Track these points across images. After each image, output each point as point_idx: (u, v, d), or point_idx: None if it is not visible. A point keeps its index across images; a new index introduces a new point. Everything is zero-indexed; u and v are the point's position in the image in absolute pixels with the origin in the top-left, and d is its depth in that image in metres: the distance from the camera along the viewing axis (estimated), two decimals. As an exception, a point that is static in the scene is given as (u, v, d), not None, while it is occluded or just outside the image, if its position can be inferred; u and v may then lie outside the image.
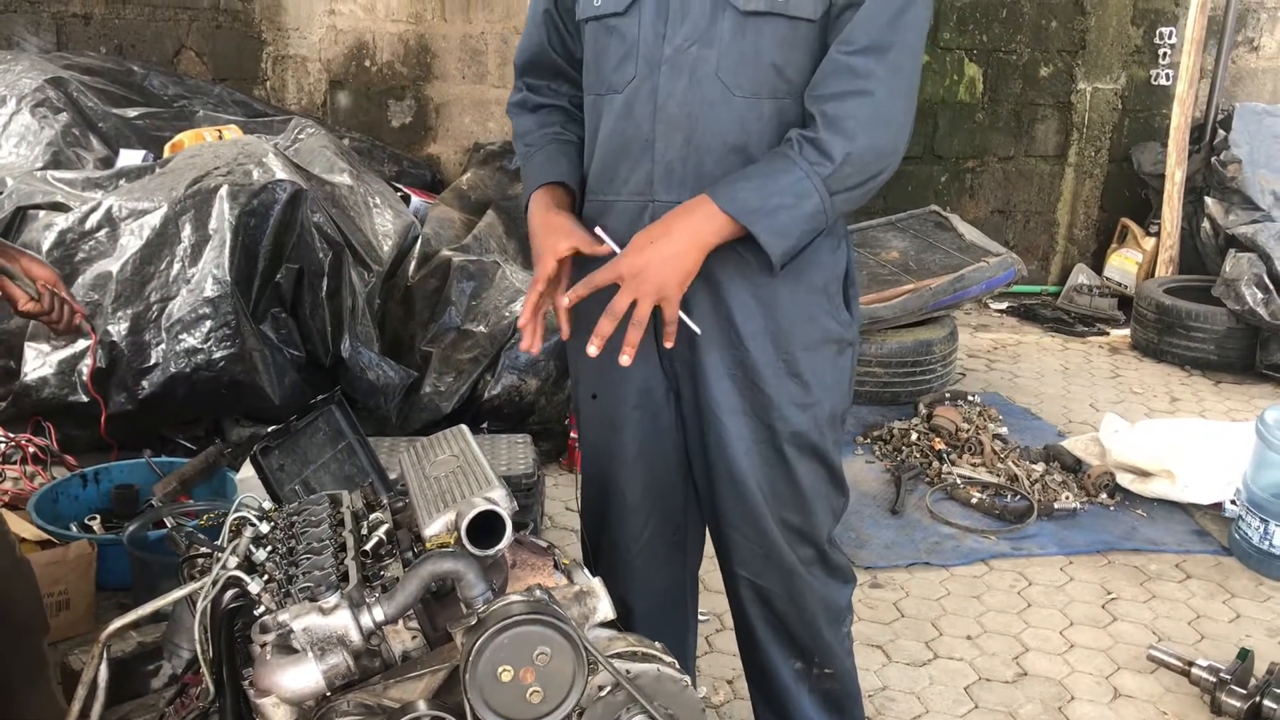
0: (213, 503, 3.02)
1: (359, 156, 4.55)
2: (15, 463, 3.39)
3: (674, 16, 1.72)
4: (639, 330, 1.66)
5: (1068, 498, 3.64)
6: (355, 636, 1.35)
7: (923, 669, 2.81)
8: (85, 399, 3.40)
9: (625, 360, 1.67)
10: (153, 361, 3.41)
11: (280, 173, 3.63)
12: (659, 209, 1.76)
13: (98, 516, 3.07)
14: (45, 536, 2.78)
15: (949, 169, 6.13)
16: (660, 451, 1.93)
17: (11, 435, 3.43)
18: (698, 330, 1.75)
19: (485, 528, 1.45)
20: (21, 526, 2.75)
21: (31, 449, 3.39)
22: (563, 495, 3.55)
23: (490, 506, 1.45)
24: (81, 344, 3.44)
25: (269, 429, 2.94)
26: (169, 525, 2.29)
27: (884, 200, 5.97)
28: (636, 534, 1.99)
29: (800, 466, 1.84)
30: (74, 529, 2.99)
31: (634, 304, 1.66)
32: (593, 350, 1.66)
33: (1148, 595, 3.20)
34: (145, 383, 3.41)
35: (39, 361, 3.44)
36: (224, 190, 3.51)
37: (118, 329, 3.42)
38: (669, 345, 1.72)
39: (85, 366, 3.40)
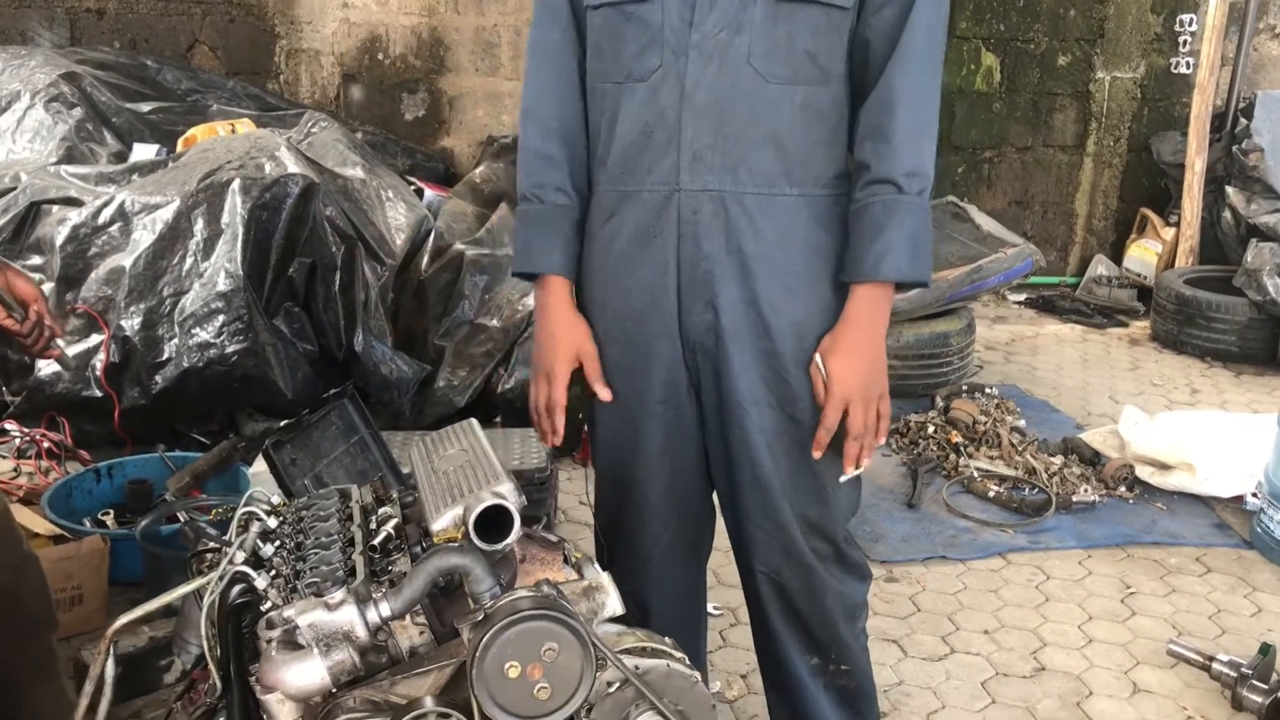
0: (225, 497, 3.02)
1: (372, 150, 4.55)
2: (30, 458, 3.40)
3: (701, 2, 1.69)
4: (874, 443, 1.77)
5: (1086, 491, 3.61)
6: (361, 632, 1.33)
7: (939, 664, 2.79)
8: (99, 394, 3.41)
9: (851, 472, 1.78)
10: (165, 356, 3.41)
11: (292, 166, 3.62)
12: (685, 198, 1.75)
13: (111, 511, 3.07)
14: (58, 531, 2.78)
15: (966, 159, 6.08)
16: (683, 449, 1.91)
17: (26, 430, 3.45)
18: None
19: (493, 522, 1.43)
20: (35, 521, 2.76)
21: (46, 444, 3.40)
22: (576, 489, 3.54)
23: (497, 501, 1.43)
24: (95, 339, 3.44)
25: (281, 423, 2.93)
26: (182, 520, 2.29)
27: (900, 191, 5.93)
28: (657, 535, 1.97)
29: (822, 460, 1.81)
30: (87, 524, 2.99)
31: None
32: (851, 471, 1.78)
33: (1167, 589, 3.16)
34: (158, 377, 3.41)
35: (53, 356, 3.44)
36: (236, 184, 3.51)
37: (130, 324, 3.42)
38: (881, 441, 1.78)
39: (99, 361, 3.41)
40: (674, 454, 1.91)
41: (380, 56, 5.19)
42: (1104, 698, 2.67)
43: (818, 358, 1.76)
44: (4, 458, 3.44)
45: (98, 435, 3.48)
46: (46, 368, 3.44)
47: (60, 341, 2.00)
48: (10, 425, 3.48)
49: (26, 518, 2.76)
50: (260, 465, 3.00)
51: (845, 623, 1.97)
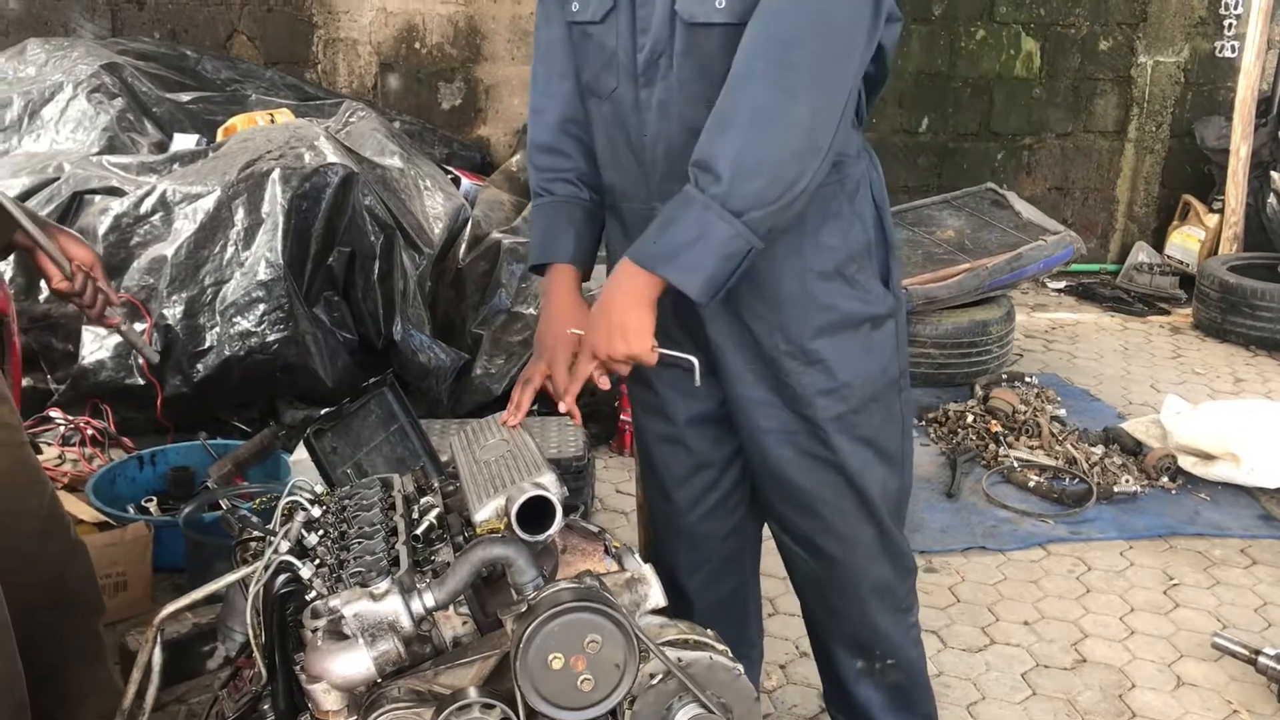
0: (267, 485, 3.04)
1: (409, 139, 4.56)
2: (75, 445, 3.45)
3: (640, 27, 1.65)
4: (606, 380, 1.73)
5: (1128, 481, 3.57)
6: (406, 622, 1.33)
7: (979, 655, 2.77)
8: (141, 382, 3.44)
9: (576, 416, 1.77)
10: (207, 345, 3.44)
11: (331, 156, 3.64)
12: None
13: (154, 498, 3.10)
14: (103, 518, 2.81)
15: (1005, 146, 6.02)
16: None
17: (71, 418, 3.49)
18: (692, 359, 1.67)
19: (535, 513, 1.44)
20: (80, 508, 2.79)
21: (90, 431, 3.44)
22: (613, 478, 3.54)
23: (540, 492, 1.43)
24: (138, 327, 3.47)
25: (322, 411, 2.95)
26: (224, 507, 2.31)
27: (939, 178, 5.90)
28: (697, 499, 1.97)
29: (843, 450, 1.79)
30: (131, 510, 3.02)
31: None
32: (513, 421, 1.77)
33: (1211, 581, 3.12)
34: (200, 366, 3.44)
35: (96, 345, 3.48)
36: (276, 174, 3.53)
37: (172, 312, 3.45)
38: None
39: (141, 350, 3.44)
40: (722, 462, 1.93)
41: (417, 45, 5.20)
42: (1147, 691, 2.64)
43: None
44: (49, 445, 3.49)
45: (140, 423, 3.51)
46: (90, 356, 3.48)
47: (118, 311, 2.03)
48: (55, 413, 3.53)
49: (72, 505, 2.79)
50: (301, 453, 3.03)
51: (887, 614, 1.95)
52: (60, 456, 3.44)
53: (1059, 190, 6.16)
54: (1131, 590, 3.07)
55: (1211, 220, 5.71)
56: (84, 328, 3.52)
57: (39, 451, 3.29)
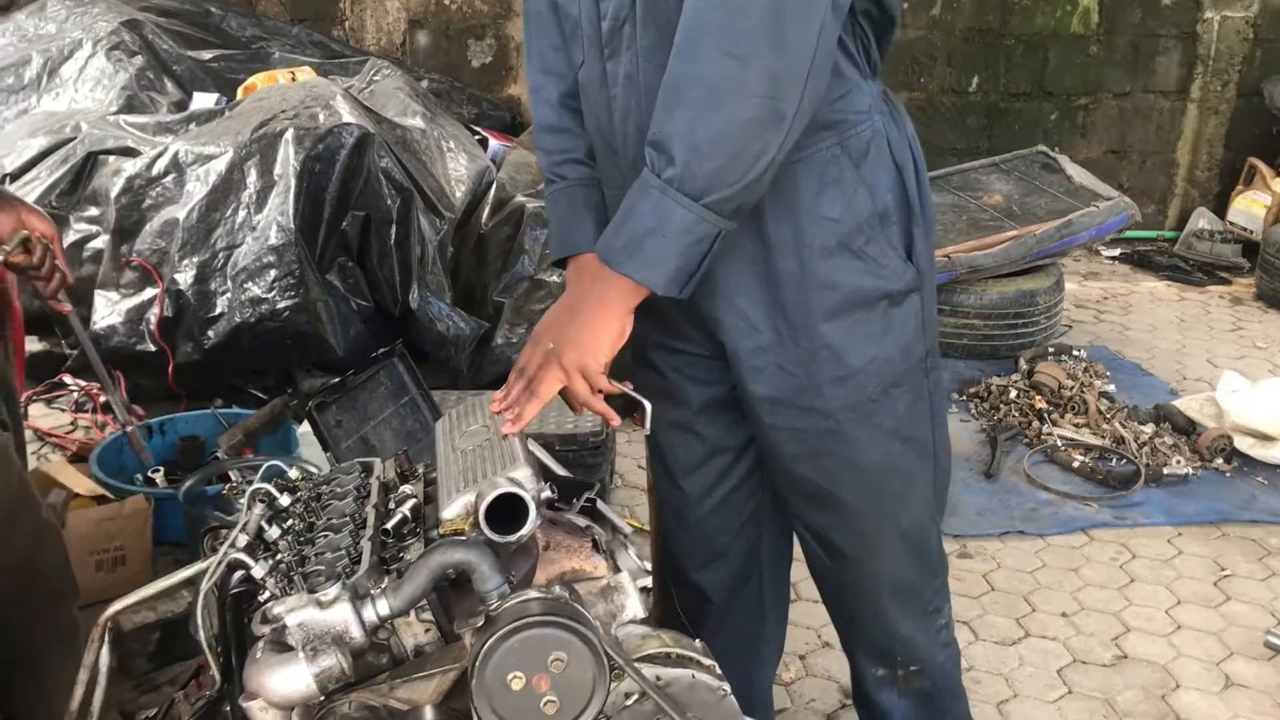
0: (274, 456, 2.95)
1: (437, 99, 4.44)
2: (87, 411, 3.39)
3: None
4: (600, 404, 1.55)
5: (1179, 462, 3.39)
6: (356, 633, 1.21)
7: (1012, 648, 2.62)
8: (153, 348, 3.37)
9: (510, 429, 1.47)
10: (218, 311, 3.35)
11: (347, 116, 3.52)
12: None
13: (161, 469, 3.02)
14: (101, 491, 2.73)
15: (1059, 106, 5.77)
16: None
17: (84, 384, 3.43)
18: (646, 403, 1.56)
19: (508, 510, 1.31)
20: (77, 481, 2.71)
21: (102, 398, 3.37)
22: (634, 452, 3.41)
23: (511, 489, 1.30)
24: (150, 292, 3.40)
25: (332, 382, 2.85)
26: (233, 479, 2.21)
27: (989, 140, 5.67)
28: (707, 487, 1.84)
29: (862, 443, 1.63)
30: (138, 481, 2.94)
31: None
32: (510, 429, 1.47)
33: (1266, 572, 2.95)
34: (211, 332, 3.35)
35: (108, 310, 3.41)
36: (289, 134, 3.41)
37: (184, 277, 3.37)
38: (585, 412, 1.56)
39: (153, 315, 3.36)
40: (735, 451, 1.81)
41: (446, 1, 5.05)
42: (1192, 691, 2.49)
43: None
44: (62, 411, 3.43)
45: (154, 390, 3.44)
46: (102, 321, 3.40)
47: (77, 310, 1.92)
48: (68, 379, 3.46)
49: (69, 477, 2.72)
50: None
51: (911, 619, 1.81)
52: (73, 423, 3.38)
53: (1115, 153, 5.90)
54: (1179, 581, 2.90)
55: (1278, 185, 5.44)
56: (97, 291, 3.45)
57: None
